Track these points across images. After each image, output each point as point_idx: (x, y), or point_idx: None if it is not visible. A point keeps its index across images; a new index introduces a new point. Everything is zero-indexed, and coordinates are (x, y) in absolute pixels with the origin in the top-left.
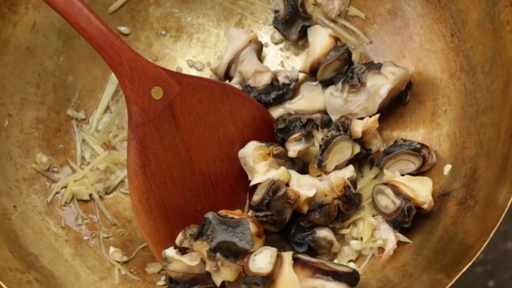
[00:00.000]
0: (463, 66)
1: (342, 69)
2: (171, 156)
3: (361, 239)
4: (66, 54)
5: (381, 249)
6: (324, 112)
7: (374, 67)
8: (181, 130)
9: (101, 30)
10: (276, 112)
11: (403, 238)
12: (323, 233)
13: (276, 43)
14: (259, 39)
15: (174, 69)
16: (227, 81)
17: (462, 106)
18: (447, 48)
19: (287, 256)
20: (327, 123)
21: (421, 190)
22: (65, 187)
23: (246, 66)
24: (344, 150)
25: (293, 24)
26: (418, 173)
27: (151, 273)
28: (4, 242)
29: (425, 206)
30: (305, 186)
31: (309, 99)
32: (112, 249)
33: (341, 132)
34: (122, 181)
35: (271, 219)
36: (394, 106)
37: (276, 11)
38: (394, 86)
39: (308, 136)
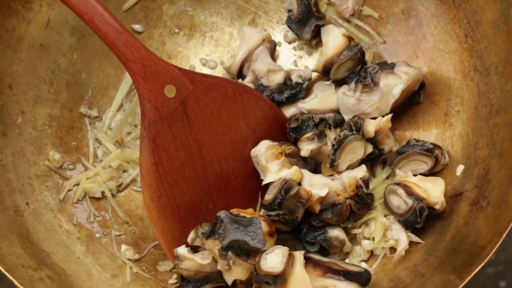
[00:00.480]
0: (477, 67)
1: (355, 69)
2: (183, 155)
3: (373, 239)
4: (80, 51)
5: (393, 249)
6: (337, 111)
7: (387, 67)
8: (193, 128)
9: (115, 28)
10: (289, 111)
11: (415, 238)
12: (335, 232)
13: (290, 42)
14: (273, 38)
15: (187, 68)
16: (240, 80)
17: (475, 106)
18: (460, 48)
19: (299, 255)
20: (339, 122)
21: (434, 191)
22: (78, 184)
23: (259, 65)
24: (357, 149)
25: (307, 23)
26: (430, 173)
27: (163, 271)
28: (16, 239)
29: (437, 207)
30: (317, 186)
31: (322, 99)
32: (123, 247)
33: (354, 131)
34: (134, 179)
35: (283, 218)
36: (407, 106)
37: (289, 11)
38: (407, 86)
39: (321, 136)
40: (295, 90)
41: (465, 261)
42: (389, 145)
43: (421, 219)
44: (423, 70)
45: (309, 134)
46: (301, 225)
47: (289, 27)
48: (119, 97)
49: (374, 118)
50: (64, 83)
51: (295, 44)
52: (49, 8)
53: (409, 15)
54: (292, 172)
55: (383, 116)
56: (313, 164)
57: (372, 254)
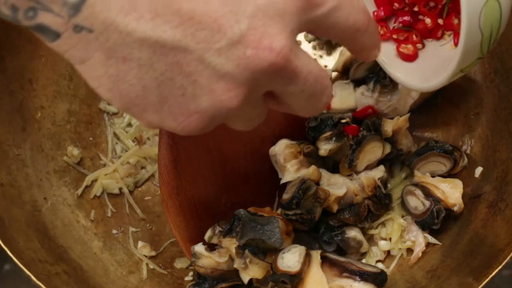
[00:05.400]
0: (497, 69)
1: (375, 69)
2: (202, 152)
3: (390, 239)
4: None
5: (409, 250)
6: (355, 111)
7: None
8: None
9: None
10: None
11: (432, 239)
12: (353, 233)
13: (310, 41)
14: None
15: None
16: None
17: (495, 108)
18: None
19: (316, 255)
20: (358, 122)
21: (452, 192)
22: (96, 180)
23: None
24: (375, 150)
25: None
26: (449, 175)
27: (179, 268)
28: (33, 234)
29: (455, 208)
30: (335, 185)
31: (341, 98)
32: (140, 243)
33: (372, 131)
34: (152, 176)
35: (300, 218)
36: (425, 108)
37: None
38: None
39: (339, 135)
40: None
41: (482, 264)
42: (407, 145)
43: (438, 221)
44: None
45: (327, 134)
46: (318, 225)
47: None
48: None
49: (392, 119)
50: (83, 79)
51: (315, 43)
52: None
53: None
54: (310, 171)
55: (400, 116)
56: (331, 164)
57: (388, 254)
